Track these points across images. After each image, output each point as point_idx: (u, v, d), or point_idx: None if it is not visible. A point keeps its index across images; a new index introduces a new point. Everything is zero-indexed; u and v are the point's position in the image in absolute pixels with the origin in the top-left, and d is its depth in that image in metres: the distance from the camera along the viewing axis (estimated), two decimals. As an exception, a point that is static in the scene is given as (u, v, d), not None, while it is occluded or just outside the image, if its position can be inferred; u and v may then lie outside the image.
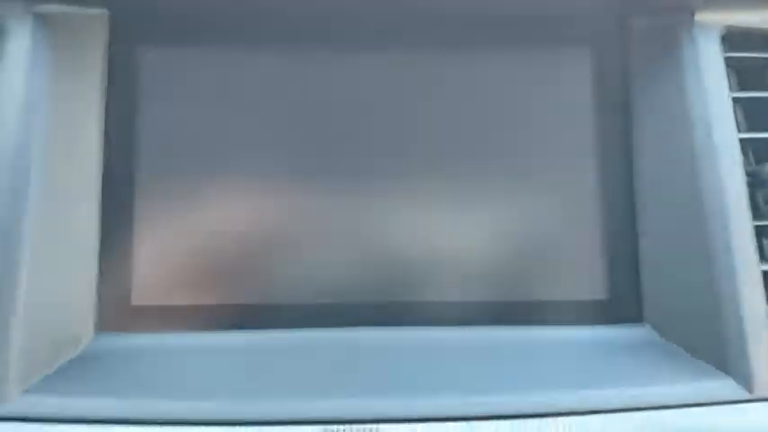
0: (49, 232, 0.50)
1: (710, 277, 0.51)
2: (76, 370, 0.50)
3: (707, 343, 0.51)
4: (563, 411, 0.46)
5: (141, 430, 0.44)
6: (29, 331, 0.48)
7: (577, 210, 0.57)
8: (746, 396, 0.48)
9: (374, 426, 0.44)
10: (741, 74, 0.60)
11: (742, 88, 0.59)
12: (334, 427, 0.44)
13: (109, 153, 0.55)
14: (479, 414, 0.45)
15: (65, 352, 0.51)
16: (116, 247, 0.54)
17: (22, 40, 0.51)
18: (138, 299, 0.54)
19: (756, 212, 0.53)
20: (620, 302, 0.56)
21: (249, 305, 0.54)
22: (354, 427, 0.44)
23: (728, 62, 0.57)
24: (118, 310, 0.53)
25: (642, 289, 0.56)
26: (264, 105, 0.56)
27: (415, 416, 0.45)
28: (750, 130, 0.58)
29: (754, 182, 0.55)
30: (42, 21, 0.52)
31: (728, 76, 0.56)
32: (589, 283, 0.55)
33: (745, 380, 0.49)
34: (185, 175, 0.55)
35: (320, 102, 0.56)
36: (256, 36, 0.58)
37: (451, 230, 0.55)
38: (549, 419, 0.45)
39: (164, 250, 0.54)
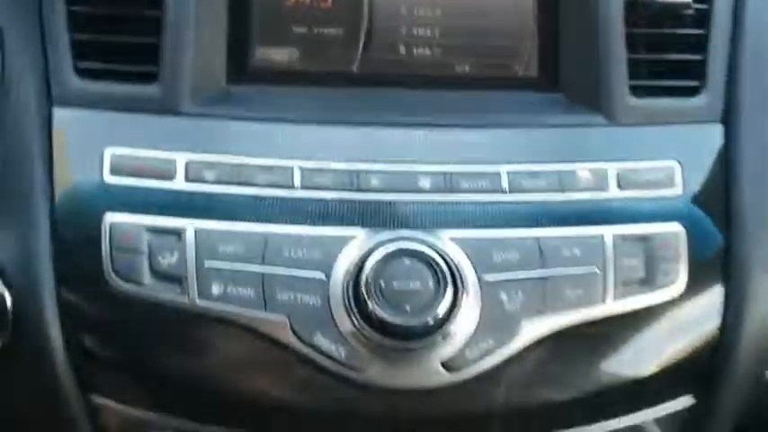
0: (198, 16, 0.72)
1: (596, 58, 0.77)
2: (222, 98, 0.72)
3: (590, 96, 0.79)
4: (471, 125, 0.73)
5: (301, 128, 0.68)
6: (190, 65, 0.69)
7: (524, 24, 0.84)
8: (608, 124, 0.79)
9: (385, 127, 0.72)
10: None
11: None
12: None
13: None
14: (414, 123, 0.72)
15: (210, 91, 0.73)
16: (238, 23, 0.74)
17: None
18: (256, 63, 0.75)
19: (629, 21, 0.81)
20: (546, 78, 0.82)
21: (336, 71, 0.75)
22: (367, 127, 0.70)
23: None
24: (241, 70, 0.74)
25: (559, 70, 0.85)
26: None
27: (407, 123, 0.72)
28: None
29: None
30: None
31: None
32: (525, 65, 0.85)
33: (609, 114, 0.77)
34: None
35: None
36: None
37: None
38: (465, 129, 0.72)
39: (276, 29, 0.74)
